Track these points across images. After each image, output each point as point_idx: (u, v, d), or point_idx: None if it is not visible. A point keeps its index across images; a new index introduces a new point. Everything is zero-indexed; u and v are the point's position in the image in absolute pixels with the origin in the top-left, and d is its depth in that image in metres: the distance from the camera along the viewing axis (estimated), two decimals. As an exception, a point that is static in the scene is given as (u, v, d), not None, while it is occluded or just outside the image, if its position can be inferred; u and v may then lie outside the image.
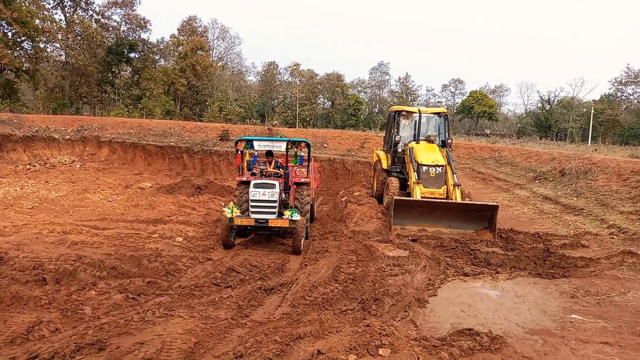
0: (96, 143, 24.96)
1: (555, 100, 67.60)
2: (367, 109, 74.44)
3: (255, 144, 9.82)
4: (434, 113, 13.82)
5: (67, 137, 25.31)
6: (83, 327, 5.09)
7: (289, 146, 10.13)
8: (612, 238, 9.84)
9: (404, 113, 13.81)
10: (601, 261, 8.41)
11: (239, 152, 10.40)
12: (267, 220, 8.77)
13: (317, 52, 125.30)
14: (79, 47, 43.94)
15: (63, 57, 45.17)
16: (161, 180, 19.51)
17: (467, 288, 7.16)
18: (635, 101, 66.40)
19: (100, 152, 24.68)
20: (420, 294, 6.65)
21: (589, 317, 6.02)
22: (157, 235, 9.78)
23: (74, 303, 5.77)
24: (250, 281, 7.11)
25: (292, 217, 8.84)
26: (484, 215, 10.35)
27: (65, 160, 23.27)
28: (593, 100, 66.16)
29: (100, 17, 48.75)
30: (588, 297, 6.74)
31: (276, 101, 66.28)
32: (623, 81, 65.34)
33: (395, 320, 5.75)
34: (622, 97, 66.64)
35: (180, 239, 9.54)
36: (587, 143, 50.14)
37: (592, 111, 59.44)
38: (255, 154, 11.07)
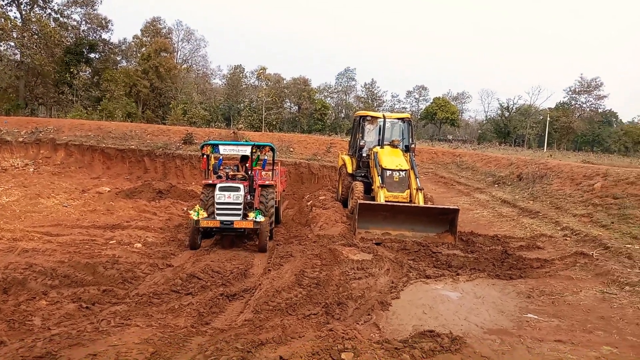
0: (52, 146, 23.98)
1: (514, 107, 70.20)
2: (334, 114, 74.72)
3: (221, 148, 10.08)
4: (398, 118, 14.02)
5: (20, 139, 24.20)
6: (31, 339, 4.83)
7: (254, 150, 10.34)
8: (566, 240, 10.24)
9: (368, 118, 13.95)
10: (555, 262, 8.73)
11: (205, 156, 10.49)
12: (232, 222, 9.06)
13: (283, 56, 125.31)
14: (36, 46, 42.11)
15: (18, 57, 43.24)
16: (121, 185, 18.92)
17: (429, 290, 7.27)
18: (588, 109, 69.74)
19: (56, 155, 23.72)
20: (383, 297, 6.69)
21: (544, 316, 6.22)
22: (114, 241, 9.45)
23: (22, 314, 5.48)
24: (212, 287, 6.95)
25: (256, 218, 9.09)
26: (446, 218, 10.57)
27: (18, 164, 22.24)
28: (549, 108, 69.01)
29: (59, 15, 46.92)
30: (543, 297, 6.97)
31: (242, 105, 65.55)
32: (577, 90, 68.57)
33: (358, 323, 5.75)
34: (576, 105, 69.84)
35: (139, 245, 9.25)
36: (543, 149, 52.24)
37: (548, 118, 61.97)
38: (220, 157, 11.24)
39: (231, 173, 10.49)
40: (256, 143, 10.76)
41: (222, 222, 9.06)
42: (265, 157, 11.45)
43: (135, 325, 5.34)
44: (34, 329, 5.16)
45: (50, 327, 5.21)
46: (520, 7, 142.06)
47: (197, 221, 8.97)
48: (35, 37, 42.12)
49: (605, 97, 68.17)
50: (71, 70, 44.84)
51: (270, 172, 11.86)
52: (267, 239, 9.32)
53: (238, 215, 9.25)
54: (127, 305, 6.09)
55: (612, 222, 10.58)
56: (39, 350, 4.54)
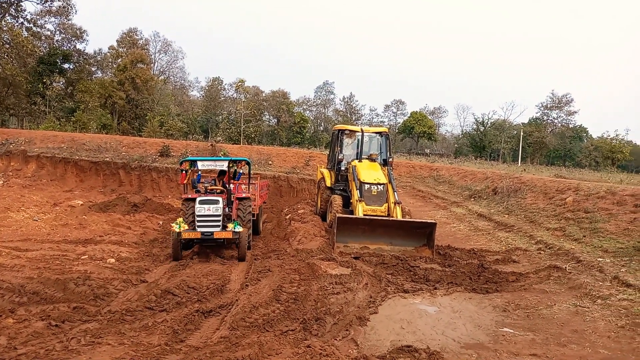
0: (22, 158, 23.31)
1: (489, 122, 71.79)
2: (313, 127, 75.16)
3: (199, 163, 10.52)
4: (376, 132, 14.15)
5: (-10, 150, 23.48)
6: (-5, 360, 4.63)
7: (230, 165, 10.88)
8: (540, 253, 10.43)
9: (347, 132, 14.05)
10: (530, 275, 8.87)
11: (183, 172, 11.04)
12: (212, 233, 9.58)
13: (262, 69, 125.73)
14: (7, 55, 41.19)
15: (-12, 66, 42.14)
16: (94, 198, 18.47)
17: (406, 305, 7.28)
18: (560, 124, 71.87)
19: (27, 167, 23.05)
20: (361, 312, 6.66)
21: (519, 330, 6.30)
22: (86, 256, 9.21)
23: (-13, 333, 5.25)
24: (188, 304, 6.80)
25: (235, 229, 9.62)
26: (423, 232, 10.65)
27: (-14, 176, 21.52)
28: (522, 123, 70.88)
29: (31, 25, 46.07)
30: (518, 311, 7.06)
31: (220, 117, 65.28)
32: (548, 106, 70.68)
33: (336, 339, 5.71)
34: (548, 120, 71.90)
35: (113, 260, 9.03)
36: (517, 163, 53.46)
37: (522, 133, 63.67)
38: (199, 172, 11.56)
39: (210, 187, 10.79)
40: (232, 158, 11.40)
41: (203, 233, 9.55)
42: (241, 171, 11.98)
43: (106, 344, 5.18)
44: (-2, 349, 4.94)
45: (16, 347, 5.00)
46: (495, 24, 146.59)
47: (179, 233, 9.38)
48: (7, 46, 41.16)
49: (575, 112, 70.47)
50: (44, 80, 43.90)
51: (250, 185, 12.30)
52: (246, 248, 9.90)
53: (218, 226, 9.73)
54: (98, 322, 5.90)
55: (584, 236, 10.83)
56: (3, 372, 4.35)
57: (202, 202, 9.77)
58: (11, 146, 24.09)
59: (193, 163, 10.77)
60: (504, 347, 5.66)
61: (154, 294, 7.01)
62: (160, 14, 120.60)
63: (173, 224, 9.73)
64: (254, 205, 11.95)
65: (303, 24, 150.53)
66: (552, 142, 67.62)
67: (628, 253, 9.18)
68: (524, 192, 16.01)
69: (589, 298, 7.44)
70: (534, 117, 72.58)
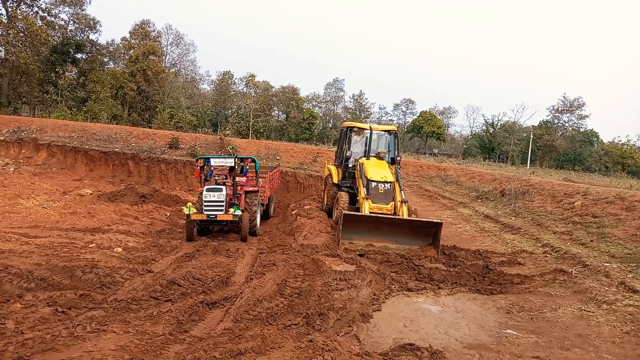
0: (33, 145, 23.52)
1: (499, 124, 71.28)
2: (321, 124, 75.05)
3: (212, 160, 12.15)
4: (385, 130, 14.11)
5: (2, 138, 23.75)
6: (3, 343, 4.71)
7: (238, 162, 12.37)
8: (546, 256, 10.38)
9: (355, 129, 14.01)
10: (535, 278, 8.83)
11: (198, 168, 12.42)
12: (216, 215, 11.09)
13: (273, 64, 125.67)
14: (21, 44, 41.46)
15: (2, 54, 42.49)
16: (103, 187, 18.65)
17: (410, 303, 7.28)
18: (570, 128, 71.16)
19: (38, 155, 23.26)
20: (364, 309, 6.68)
21: (523, 332, 6.28)
22: (94, 245, 9.30)
23: (-5, 317, 5.33)
24: (192, 295, 6.86)
25: (235, 212, 11.07)
26: (429, 231, 10.62)
27: (-2, 163, 21.76)
28: (532, 126, 70.27)
29: (46, 14, 46.38)
30: (522, 313, 7.03)
31: (230, 111, 65.39)
32: (559, 109, 69.97)
33: (339, 335, 5.73)
34: (559, 124, 71.20)
35: (120, 249, 9.11)
36: (526, 166, 53.06)
37: (531, 136, 63.16)
38: (212, 168, 12.78)
39: (220, 180, 12.13)
40: (240, 156, 13.43)
41: (208, 215, 11.06)
42: (247, 167, 13.40)
43: (111, 332, 5.24)
44: (6, 332, 5.02)
45: (23, 331, 5.07)
46: (507, 25, 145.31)
47: (189, 215, 10.84)
48: (21, 35, 41.45)
49: (587, 116, 69.74)
50: (57, 69, 44.24)
51: (258, 179, 13.41)
52: (248, 231, 11.35)
53: (221, 210, 11.18)
54: (104, 310, 5.98)
55: (591, 241, 10.76)
56: (10, 355, 4.43)
57: (208, 190, 11.29)
58: (23, 134, 24.32)
59: (206, 160, 12.26)
60: (507, 349, 5.65)
61: (159, 284, 7.07)
62: (173, 8, 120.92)
63: (184, 208, 11.16)
64: (264, 196, 13.85)
65: (315, 23, 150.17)
66: (562, 146, 67.04)
67: (635, 259, 9.11)
68: (531, 194, 15.91)
69: (595, 303, 7.40)
70: (545, 120, 71.99)
